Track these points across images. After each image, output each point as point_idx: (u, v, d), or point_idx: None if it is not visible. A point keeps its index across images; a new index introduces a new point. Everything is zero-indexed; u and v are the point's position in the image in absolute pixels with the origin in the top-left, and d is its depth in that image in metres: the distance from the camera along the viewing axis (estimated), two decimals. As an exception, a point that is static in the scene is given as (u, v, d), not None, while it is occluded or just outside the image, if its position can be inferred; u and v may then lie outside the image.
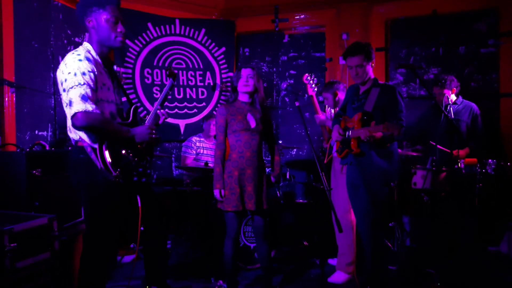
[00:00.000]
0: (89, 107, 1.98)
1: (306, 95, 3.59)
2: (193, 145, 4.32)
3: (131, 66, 4.68)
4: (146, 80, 4.74)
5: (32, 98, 3.75)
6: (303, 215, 4.38)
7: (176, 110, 4.92)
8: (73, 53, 2.06)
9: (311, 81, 3.40)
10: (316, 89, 3.39)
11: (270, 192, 2.97)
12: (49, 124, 3.91)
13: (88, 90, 1.99)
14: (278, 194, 4.14)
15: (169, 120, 4.89)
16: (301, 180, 4.84)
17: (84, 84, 1.99)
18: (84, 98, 1.98)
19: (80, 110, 1.96)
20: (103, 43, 2.15)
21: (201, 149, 4.33)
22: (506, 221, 3.87)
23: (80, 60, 2.02)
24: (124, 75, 4.60)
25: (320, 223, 4.07)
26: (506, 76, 4.41)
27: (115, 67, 4.43)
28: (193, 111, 4.99)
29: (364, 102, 2.84)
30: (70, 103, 1.98)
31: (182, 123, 4.94)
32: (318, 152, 4.77)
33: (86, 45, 2.15)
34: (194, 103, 4.99)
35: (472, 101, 3.96)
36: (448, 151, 3.64)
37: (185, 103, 4.95)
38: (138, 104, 4.68)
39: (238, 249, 2.93)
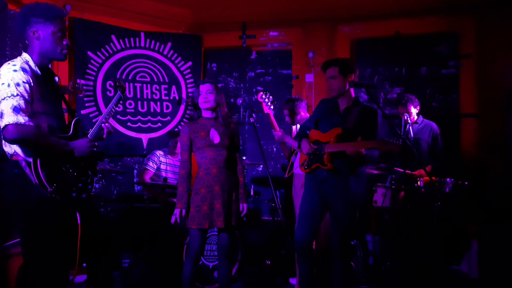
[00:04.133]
0: (21, 119, 1.88)
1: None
2: (156, 159, 4.21)
3: (92, 78, 4.57)
4: (108, 93, 4.63)
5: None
6: (267, 233, 4.32)
7: (139, 124, 4.82)
8: (8, 63, 1.99)
9: (266, 99, 3.36)
10: (272, 107, 3.36)
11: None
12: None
13: (21, 102, 1.90)
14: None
15: (132, 134, 4.79)
16: (266, 197, 4.78)
17: (17, 95, 1.90)
18: (16, 110, 1.88)
19: (11, 122, 1.86)
20: (47, 55, 2.09)
21: (163, 165, 4.22)
22: (467, 239, 3.91)
23: (15, 70, 1.94)
24: (84, 87, 4.48)
25: (284, 241, 4.01)
26: (466, 96, 4.54)
27: (78, 80, 4.38)
28: (157, 125, 4.90)
29: (345, 119, 2.82)
30: (1, 115, 1.89)
31: (145, 137, 4.84)
32: (279, 168, 4.75)
33: (25, 55, 2.07)
34: (159, 117, 4.91)
35: (434, 121, 4.02)
36: (408, 172, 3.67)
37: (149, 117, 4.86)
38: (99, 117, 4.56)
39: (197, 270, 2.84)
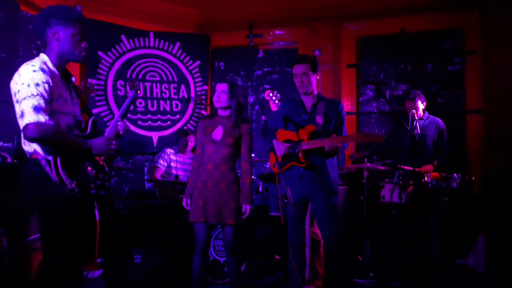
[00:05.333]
0: (42, 118, 1.92)
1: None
2: (166, 156, 4.29)
3: (103, 78, 4.64)
4: (119, 92, 4.69)
5: (-3, 108, 3.67)
6: (276, 229, 4.38)
7: (149, 122, 4.89)
8: (27, 64, 2.02)
9: (273, 97, 3.44)
10: (279, 104, 3.43)
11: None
12: (15, 136, 3.83)
13: (41, 101, 1.94)
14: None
15: (142, 132, 4.86)
16: (274, 193, 4.84)
17: (37, 95, 1.94)
18: (37, 109, 1.92)
19: (32, 122, 1.90)
20: (65, 56, 2.13)
21: (174, 163, 4.30)
22: (473, 234, 3.95)
23: (34, 71, 1.98)
24: (96, 87, 4.55)
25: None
26: (471, 93, 4.56)
27: (89, 80, 4.45)
28: (167, 124, 4.97)
29: (314, 116, 2.88)
30: (22, 114, 1.92)
31: (155, 135, 4.91)
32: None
33: (43, 56, 2.11)
34: (168, 115, 4.98)
35: (439, 117, 4.07)
36: (417, 169, 3.71)
37: (159, 116, 4.93)
38: (110, 117, 4.64)
39: (206, 264, 2.91)
